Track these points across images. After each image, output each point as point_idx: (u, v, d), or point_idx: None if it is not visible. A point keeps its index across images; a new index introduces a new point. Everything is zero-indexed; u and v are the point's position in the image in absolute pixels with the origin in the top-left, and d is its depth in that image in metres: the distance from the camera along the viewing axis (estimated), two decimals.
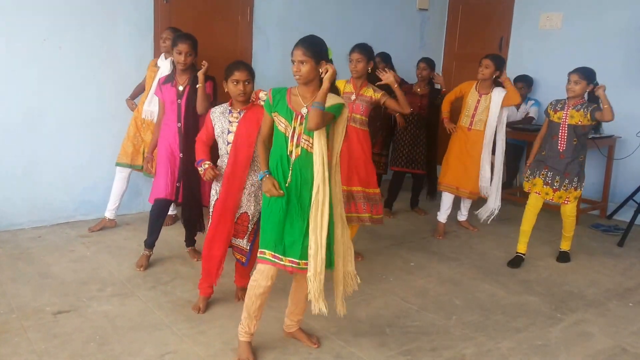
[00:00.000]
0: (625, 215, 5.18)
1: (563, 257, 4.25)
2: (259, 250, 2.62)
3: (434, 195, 5.37)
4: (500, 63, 4.49)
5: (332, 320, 3.14)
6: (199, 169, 3.12)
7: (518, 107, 5.89)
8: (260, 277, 2.59)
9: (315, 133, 2.54)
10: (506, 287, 3.74)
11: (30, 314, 3.10)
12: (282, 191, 2.57)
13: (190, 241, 4.04)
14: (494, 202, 4.61)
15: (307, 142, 2.58)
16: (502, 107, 4.49)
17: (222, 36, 5.26)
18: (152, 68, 4.41)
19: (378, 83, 3.89)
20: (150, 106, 4.25)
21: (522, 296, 3.60)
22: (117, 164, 4.42)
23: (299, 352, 2.81)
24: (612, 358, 2.89)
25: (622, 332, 3.17)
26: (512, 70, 6.20)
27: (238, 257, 3.18)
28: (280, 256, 2.58)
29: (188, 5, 5.03)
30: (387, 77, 3.87)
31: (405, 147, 5.22)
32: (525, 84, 5.84)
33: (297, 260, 2.59)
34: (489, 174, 4.60)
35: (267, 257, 2.58)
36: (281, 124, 2.61)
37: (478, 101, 4.54)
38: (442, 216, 4.75)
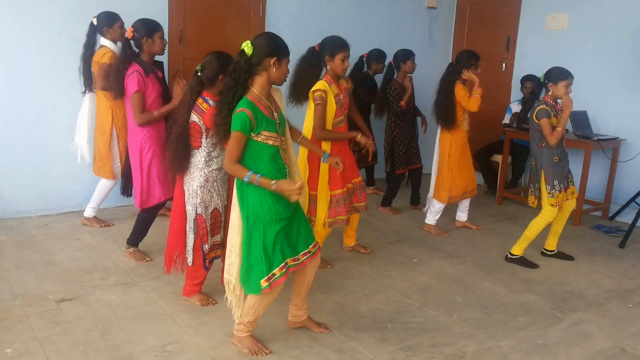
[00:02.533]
0: (627, 217, 5.19)
1: (564, 255, 4.26)
2: (264, 279, 2.53)
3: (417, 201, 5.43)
4: None
5: (333, 314, 3.17)
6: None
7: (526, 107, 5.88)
8: (272, 289, 2.59)
9: (286, 130, 2.67)
10: (507, 285, 3.75)
11: (33, 301, 3.12)
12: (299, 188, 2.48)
13: None
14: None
15: (285, 143, 2.67)
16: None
17: (234, 32, 5.28)
18: (109, 59, 4.01)
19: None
20: None
21: (523, 295, 3.61)
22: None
23: (300, 346, 2.82)
24: (611, 358, 2.90)
25: (621, 333, 3.18)
26: (519, 70, 6.23)
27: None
28: (295, 257, 2.62)
29: (201, 1, 5.08)
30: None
31: (404, 145, 5.19)
32: (534, 83, 5.82)
33: (307, 249, 2.68)
34: None
35: (278, 275, 2.55)
36: (272, 138, 2.54)
37: None
38: (433, 219, 4.75)
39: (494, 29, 6.57)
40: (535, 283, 3.81)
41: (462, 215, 4.93)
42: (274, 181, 2.46)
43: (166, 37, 4.74)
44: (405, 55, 5.10)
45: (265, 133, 2.51)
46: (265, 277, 2.53)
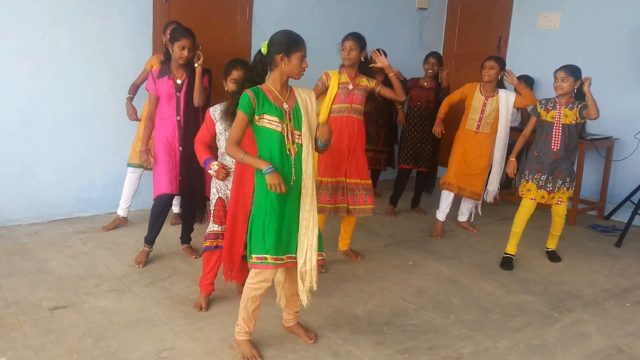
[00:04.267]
0: (622, 216, 5.20)
1: (555, 256, 4.27)
2: (257, 256, 2.56)
3: (431, 190, 5.43)
4: (504, 64, 4.50)
5: (330, 318, 3.15)
6: (210, 170, 3.08)
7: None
8: (262, 279, 2.58)
9: (304, 127, 2.59)
10: (504, 286, 3.74)
11: (26, 308, 3.09)
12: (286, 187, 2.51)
13: (186, 238, 4.03)
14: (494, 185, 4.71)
15: (300, 138, 2.61)
16: (515, 108, 4.55)
17: (220, 35, 5.23)
18: (157, 64, 4.27)
19: (371, 65, 3.87)
20: None
21: (520, 295, 3.60)
22: (129, 165, 4.40)
23: (296, 350, 2.80)
24: (608, 358, 2.90)
25: (618, 333, 3.17)
26: (510, 69, 6.22)
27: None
28: (281, 257, 2.60)
29: (187, 4, 5.00)
30: (380, 59, 3.84)
31: (412, 144, 5.24)
32: (526, 84, 5.84)
33: (295, 255, 2.63)
34: (498, 179, 4.65)
35: (270, 261, 2.55)
36: (274, 122, 2.56)
37: (484, 104, 4.49)
38: (441, 215, 4.74)
39: (485, 29, 6.58)
40: (532, 283, 3.81)
41: (461, 216, 4.99)
42: (273, 170, 2.47)
43: (150, 42, 4.77)
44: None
45: (267, 116, 2.55)
46: (259, 256, 2.56)
